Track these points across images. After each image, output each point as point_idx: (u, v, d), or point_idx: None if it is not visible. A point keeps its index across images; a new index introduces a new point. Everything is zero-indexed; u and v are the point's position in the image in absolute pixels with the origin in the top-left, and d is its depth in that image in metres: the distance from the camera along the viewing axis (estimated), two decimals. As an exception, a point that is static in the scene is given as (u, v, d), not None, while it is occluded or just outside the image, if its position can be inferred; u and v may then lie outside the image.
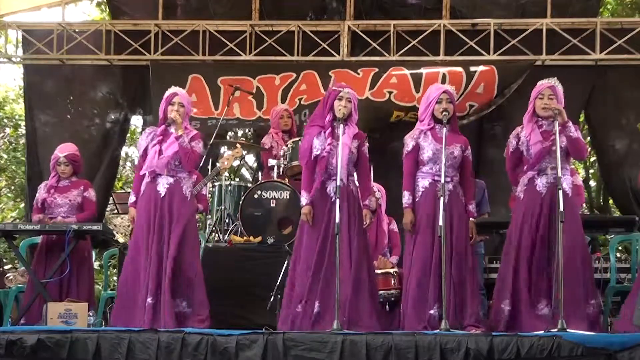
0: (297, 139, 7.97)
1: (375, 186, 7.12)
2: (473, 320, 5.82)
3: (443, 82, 8.73)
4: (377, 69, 9.38)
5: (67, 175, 7.26)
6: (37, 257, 7.26)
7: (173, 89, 6.43)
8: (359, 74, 9.36)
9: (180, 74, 9.60)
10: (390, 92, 9.30)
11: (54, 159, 7.30)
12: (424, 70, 9.26)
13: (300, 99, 8.18)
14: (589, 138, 13.21)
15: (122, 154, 12.13)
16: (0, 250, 10.60)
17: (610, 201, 12.79)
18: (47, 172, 8.16)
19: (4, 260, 9.13)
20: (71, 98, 9.87)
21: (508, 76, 9.22)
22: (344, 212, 5.85)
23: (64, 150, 7.30)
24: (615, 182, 9.59)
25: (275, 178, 7.69)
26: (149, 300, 6.05)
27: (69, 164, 7.24)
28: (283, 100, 9.24)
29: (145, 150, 6.32)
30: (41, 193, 7.30)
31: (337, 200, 5.70)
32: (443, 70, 9.22)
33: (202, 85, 9.59)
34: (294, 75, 9.53)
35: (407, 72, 9.29)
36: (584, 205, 12.18)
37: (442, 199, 5.63)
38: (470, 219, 6.02)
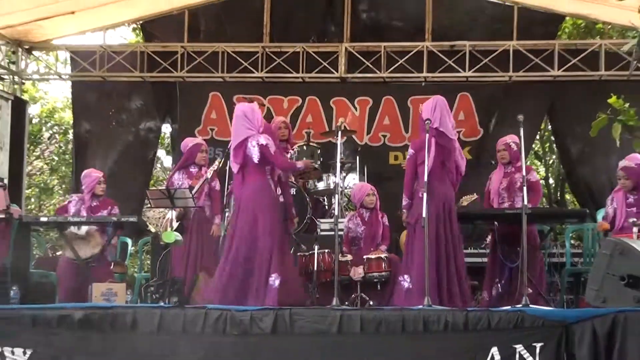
0: (301, 142, 8.03)
1: (370, 188, 7.08)
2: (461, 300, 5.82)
3: None
4: (371, 101, 9.48)
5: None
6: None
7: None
8: (356, 107, 9.48)
9: (202, 91, 9.67)
10: (384, 136, 9.47)
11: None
12: (410, 105, 9.35)
13: (308, 133, 8.12)
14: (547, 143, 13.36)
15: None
16: (53, 239, 10.61)
17: (567, 196, 12.82)
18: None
19: (56, 248, 9.15)
20: (112, 111, 9.89)
21: (481, 100, 9.34)
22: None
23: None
24: (574, 180, 9.69)
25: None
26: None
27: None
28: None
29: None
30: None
31: (337, 198, 5.76)
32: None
33: (221, 103, 9.63)
34: (300, 100, 9.57)
35: (396, 106, 9.42)
36: (543, 199, 12.25)
37: (424, 195, 5.66)
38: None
